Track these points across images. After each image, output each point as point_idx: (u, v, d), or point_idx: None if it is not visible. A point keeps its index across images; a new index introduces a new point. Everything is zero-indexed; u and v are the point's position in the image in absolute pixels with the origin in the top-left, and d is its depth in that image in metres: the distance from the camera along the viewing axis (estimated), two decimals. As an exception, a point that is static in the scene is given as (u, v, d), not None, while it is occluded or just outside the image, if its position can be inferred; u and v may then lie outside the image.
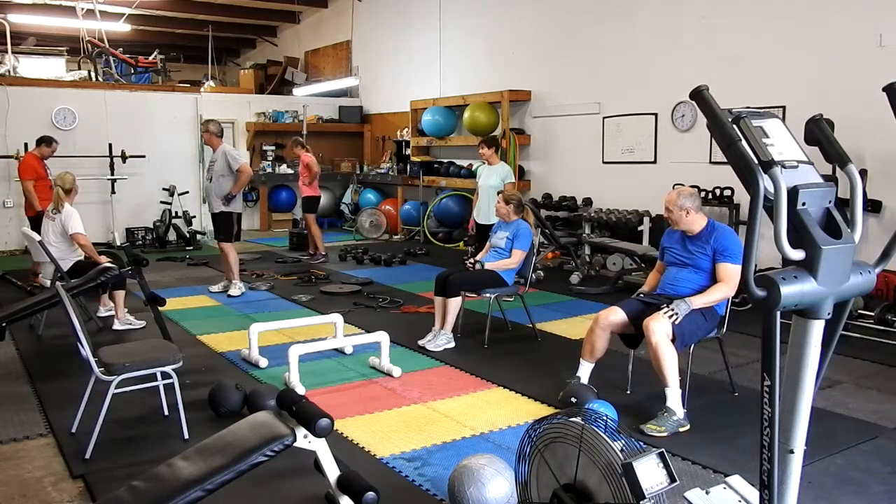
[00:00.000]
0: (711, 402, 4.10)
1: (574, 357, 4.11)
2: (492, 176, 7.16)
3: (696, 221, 4.02)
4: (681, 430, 3.66)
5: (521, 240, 5.37)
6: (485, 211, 6.98)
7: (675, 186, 3.97)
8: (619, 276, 7.30)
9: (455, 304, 5.18)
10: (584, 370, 4.15)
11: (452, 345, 5.21)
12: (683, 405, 3.83)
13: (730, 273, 3.86)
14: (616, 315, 4.04)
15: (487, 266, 5.34)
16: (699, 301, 3.85)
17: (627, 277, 7.12)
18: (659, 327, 3.71)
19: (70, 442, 3.54)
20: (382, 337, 4.73)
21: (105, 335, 5.49)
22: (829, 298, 1.77)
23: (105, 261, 5.42)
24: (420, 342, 5.29)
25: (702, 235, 4.02)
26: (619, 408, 3.75)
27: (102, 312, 5.96)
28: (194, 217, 11.09)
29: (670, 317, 3.75)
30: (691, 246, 4.05)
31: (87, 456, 3.34)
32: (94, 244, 5.99)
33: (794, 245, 1.73)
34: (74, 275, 5.36)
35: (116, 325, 5.63)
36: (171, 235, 10.67)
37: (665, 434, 3.60)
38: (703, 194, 7.16)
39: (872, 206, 5.91)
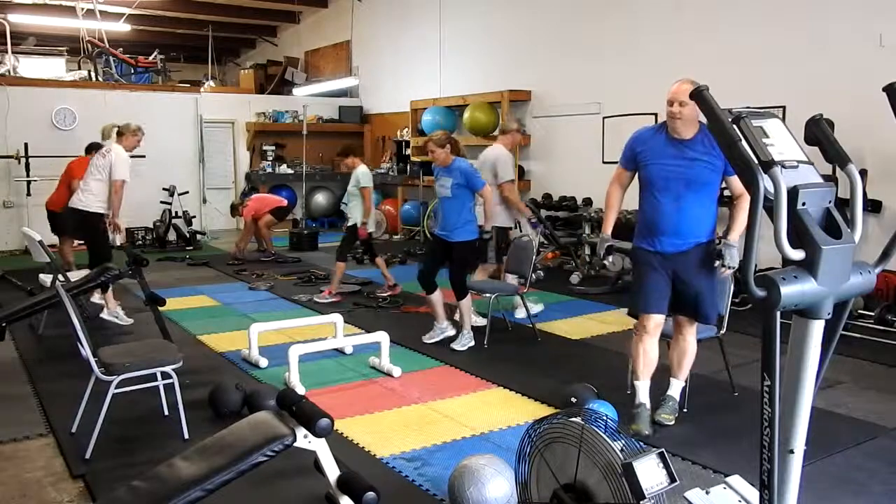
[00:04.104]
0: (711, 402, 4.09)
1: (574, 357, 4.10)
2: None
3: (694, 124, 3.44)
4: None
5: (473, 178, 5.15)
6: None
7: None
8: (619, 276, 7.30)
9: (467, 303, 5.23)
10: (643, 391, 3.70)
11: (473, 343, 5.23)
12: (684, 405, 3.87)
13: (740, 183, 3.18)
14: (658, 319, 3.62)
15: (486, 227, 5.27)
16: (737, 234, 3.45)
17: (627, 277, 7.12)
18: (694, 329, 3.70)
19: (70, 442, 3.54)
20: (382, 337, 4.73)
21: (103, 334, 5.48)
22: (829, 298, 1.77)
23: (121, 223, 5.73)
24: (425, 339, 5.33)
25: (697, 140, 3.44)
26: (619, 408, 3.74)
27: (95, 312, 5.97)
28: (194, 217, 11.09)
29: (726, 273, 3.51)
30: (690, 151, 3.44)
31: (87, 456, 3.34)
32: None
33: (794, 245, 1.73)
34: (86, 226, 5.55)
35: (104, 314, 5.66)
36: (171, 235, 10.66)
37: (673, 421, 3.70)
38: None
39: (872, 206, 5.91)
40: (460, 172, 5.16)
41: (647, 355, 3.66)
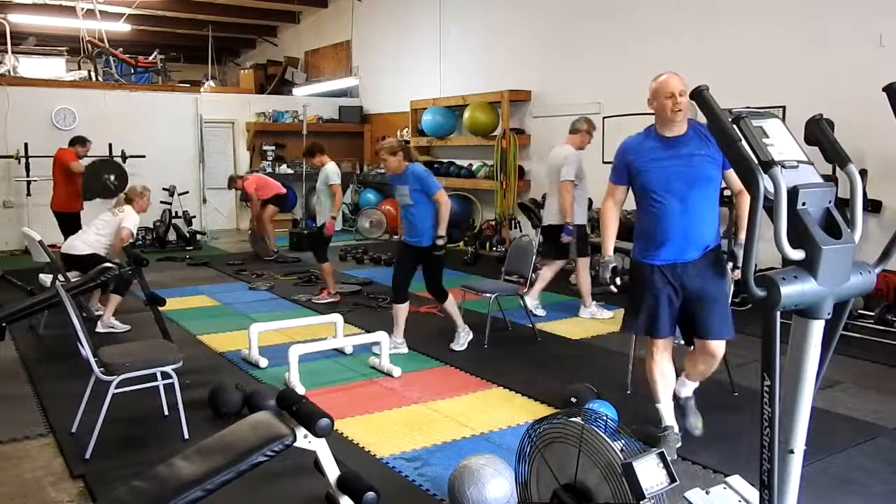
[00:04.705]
0: (711, 402, 4.08)
1: (574, 357, 4.10)
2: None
3: (686, 118, 3.28)
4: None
5: (428, 182, 4.95)
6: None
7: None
8: (619, 275, 7.28)
9: (451, 304, 5.19)
10: (668, 413, 3.47)
11: (472, 337, 5.22)
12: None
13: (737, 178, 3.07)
14: (668, 341, 3.43)
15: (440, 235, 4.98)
16: (744, 234, 3.23)
17: (626, 277, 7.10)
18: (723, 349, 3.44)
19: (70, 442, 3.54)
20: (382, 337, 4.73)
21: (103, 335, 5.49)
22: (829, 298, 1.77)
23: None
24: (397, 345, 5.07)
25: (689, 136, 3.28)
26: (619, 408, 3.74)
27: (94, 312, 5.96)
28: (194, 217, 11.08)
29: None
30: (685, 148, 3.26)
31: (87, 456, 3.34)
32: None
33: (794, 245, 1.73)
34: (85, 265, 5.51)
35: (99, 328, 5.60)
36: (171, 235, 10.66)
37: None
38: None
39: (872, 206, 5.91)
40: (414, 177, 4.97)
41: (664, 375, 3.43)
